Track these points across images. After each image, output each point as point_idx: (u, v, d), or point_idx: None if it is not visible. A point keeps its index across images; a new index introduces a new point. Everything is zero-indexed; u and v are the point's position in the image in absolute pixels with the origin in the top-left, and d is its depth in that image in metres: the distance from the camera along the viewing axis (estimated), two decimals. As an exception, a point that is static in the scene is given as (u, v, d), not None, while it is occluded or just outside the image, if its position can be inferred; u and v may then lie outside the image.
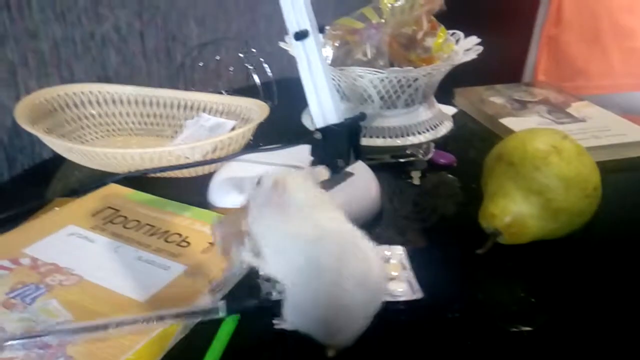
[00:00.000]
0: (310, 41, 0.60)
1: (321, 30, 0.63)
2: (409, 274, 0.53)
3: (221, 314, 0.46)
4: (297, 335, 0.42)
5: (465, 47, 0.87)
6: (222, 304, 0.46)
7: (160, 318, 0.45)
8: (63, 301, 0.47)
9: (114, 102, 0.84)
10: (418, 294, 0.50)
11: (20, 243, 0.55)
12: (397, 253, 0.55)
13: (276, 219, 0.43)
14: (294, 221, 0.43)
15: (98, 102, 0.83)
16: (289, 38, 0.61)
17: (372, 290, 0.42)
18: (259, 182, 0.45)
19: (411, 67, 0.79)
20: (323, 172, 0.53)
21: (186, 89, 0.96)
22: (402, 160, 0.77)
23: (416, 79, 0.80)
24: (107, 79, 0.89)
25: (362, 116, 0.65)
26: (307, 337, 0.42)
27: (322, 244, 0.42)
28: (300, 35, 0.59)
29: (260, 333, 0.46)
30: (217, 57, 1.04)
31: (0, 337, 0.42)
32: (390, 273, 0.52)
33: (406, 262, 0.54)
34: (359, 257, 0.42)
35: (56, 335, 0.43)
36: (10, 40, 0.74)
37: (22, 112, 0.72)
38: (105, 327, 0.44)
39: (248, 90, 0.91)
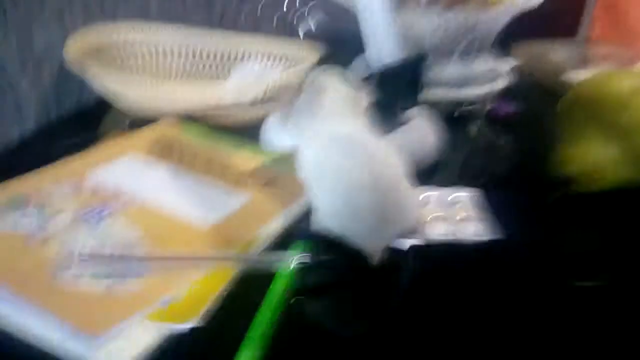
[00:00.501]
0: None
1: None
2: (481, 217, 0.51)
3: (292, 266, 0.43)
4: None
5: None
6: (295, 254, 0.43)
7: (227, 259, 0.44)
8: (129, 221, 0.47)
9: (162, 48, 0.82)
10: (489, 237, 0.48)
11: (83, 168, 0.54)
12: (464, 196, 0.54)
13: (308, 118, 0.45)
14: (317, 122, 0.45)
15: (147, 46, 0.82)
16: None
17: (382, 194, 0.41)
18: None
19: (469, 13, 0.75)
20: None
21: (235, 33, 0.94)
22: (459, 111, 0.74)
23: (474, 26, 0.76)
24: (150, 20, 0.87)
25: (424, 56, 0.62)
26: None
27: (330, 146, 0.43)
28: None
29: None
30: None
31: (69, 255, 0.42)
32: (461, 216, 0.51)
33: (474, 206, 0.52)
34: (365, 162, 0.42)
35: (124, 261, 0.42)
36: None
37: (71, 53, 0.70)
38: (171, 259, 0.43)
39: (297, 37, 0.88)
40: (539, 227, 0.52)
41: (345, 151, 0.42)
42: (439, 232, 0.49)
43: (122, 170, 0.55)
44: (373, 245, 0.43)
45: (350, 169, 0.41)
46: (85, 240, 0.44)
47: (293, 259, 0.43)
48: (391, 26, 0.59)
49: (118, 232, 0.45)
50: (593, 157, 0.52)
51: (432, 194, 0.54)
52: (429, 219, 0.50)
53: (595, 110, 0.53)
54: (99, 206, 0.48)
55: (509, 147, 0.69)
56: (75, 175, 0.53)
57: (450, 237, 0.48)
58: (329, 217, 0.43)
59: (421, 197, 0.53)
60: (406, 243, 0.47)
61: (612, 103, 0.52)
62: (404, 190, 0.43)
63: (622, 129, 0.51)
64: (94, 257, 0.42)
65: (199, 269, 0.42)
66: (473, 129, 0.71)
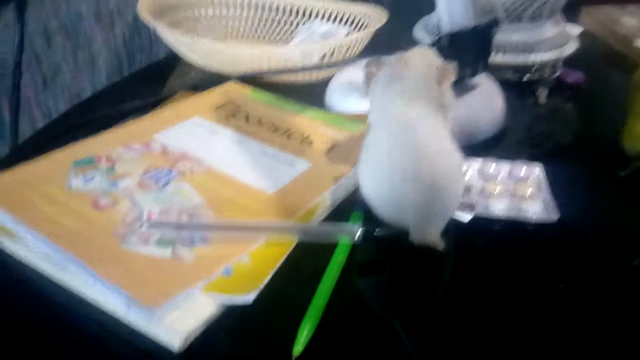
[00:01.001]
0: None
1: None
2: (546, 194, 0.50)
3: (357, 238, 0.43)
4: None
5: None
6: (358, 229, 0.44)
7: (288, 229, 0.44)
8: (195, 186, 0.48)
9: (227, 5, 0.83)
10: (554, 215, 0.47)
11: (150, 129, 0.55)
12: (534, 171, 0.52)
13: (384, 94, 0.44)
14: (390, 100, 0.43)
15: (213, 3, 0.83)
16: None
17: (424, 185, 0.40)
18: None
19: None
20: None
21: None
22: (527, 78, 0.73)
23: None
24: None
25: (495, 21, 0.61)
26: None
27: (378, 131, 0.43)
28: None
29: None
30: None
31: (135, 220, 0.43)
32: (525, 192, 0.50)
33: (543, 181, 0.51)
34: (409, 153, 0.40)
35: (189, 228, 0.43)
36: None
37: (143, 9, 0.72)
38: (234, 228, 0.44)
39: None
40: (606, 205, 0.51)
41: (397, 140, 0.41)
42: (502, 207, 0.48)
43: (188, 133, 0.56)
44: (418, 234, 0.42)
45: (399, 159, 0.40)
46: (152, 205, 0.45)
47: (354, 232, 0.43)
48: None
49: (183, 197, 0.46)
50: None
51: (500, 167, 0.53)
52: (496, 192, 0.50)
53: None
54: (166, 169, 0.49)
55: (576, 117, 0.68)
56: (143, 136, 0.54)
57: (512, 214, 0.48)
58: (375, 206, 0.43)
59: (490, 169, 0.53)
60: (466, 217, 0.47)
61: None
62: (453, 184, 0.42)
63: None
64: (160, 223, 0.43)
65: (260, 238, 0.42)
66: (541, 96, 0.69)
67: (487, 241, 0.46)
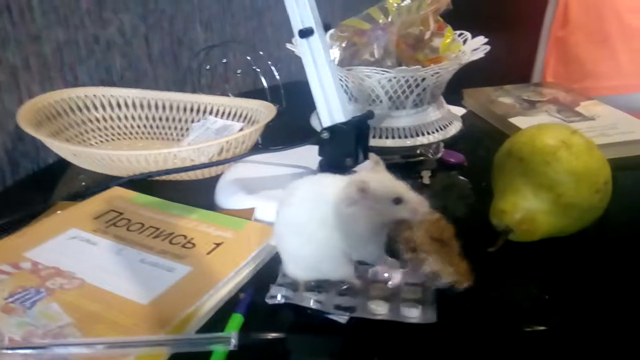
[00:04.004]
0: (315, 39, 0.59)
1: (326, 28, 0.62)
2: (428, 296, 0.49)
3: (232, 346, 0.42)
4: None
5: (472, 47, 0.86)
6: (235, 335, 0.43)
7: (159, 343, 0.43)
8: (64, 305, 0.46)
9: (118, 105, 0.83)
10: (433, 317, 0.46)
11: (21, 247, 0.54)
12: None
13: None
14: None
15: (102, 106, 0.83)
16: (295, 39, 0.60)
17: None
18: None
19: (419, 67, 0.78)
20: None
21: (193, 92, 0.95)
22: (412, 160, 0.76)
23: (424, 79, 0.79)
24: (111, 83, 0.89)
25: (370, 114, 0.64)
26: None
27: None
28: (305, 33, 0.59)
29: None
30: (224, 61, 1.03)
31: None
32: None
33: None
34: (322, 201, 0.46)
35: (54, 348, 0.42)
36: (12, 44, 0.74)
37: (25, 117, 0.71)
38: (101, 345, 0.42)
39: (256, 94, 0.90)
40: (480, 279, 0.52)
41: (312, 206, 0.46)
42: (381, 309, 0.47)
43: (63, 247, 0.54)
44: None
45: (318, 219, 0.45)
46: (15, 330, 0.43)
47: (229, 339, 0.42)
48: (338, 88, 0.61)
49: (50, 319, 0.44)
50: (524, 208, 0.53)
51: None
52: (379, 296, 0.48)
53: (525, 163, 0.54)
54: (33, 290, 0.48)
55: (455, 196, 0.70)
56: (12, 256, 0.52)
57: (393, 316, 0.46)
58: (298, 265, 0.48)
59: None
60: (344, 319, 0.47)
61: (539, 156, 0.53)
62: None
63: (550, 181, 0.53)
64: (18, 347, 0.41)
65: (128, 356, 0.41)
66: (424, 177, 0.72)
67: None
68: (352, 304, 0.48)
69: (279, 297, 0.48)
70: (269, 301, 0.48)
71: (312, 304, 0.47)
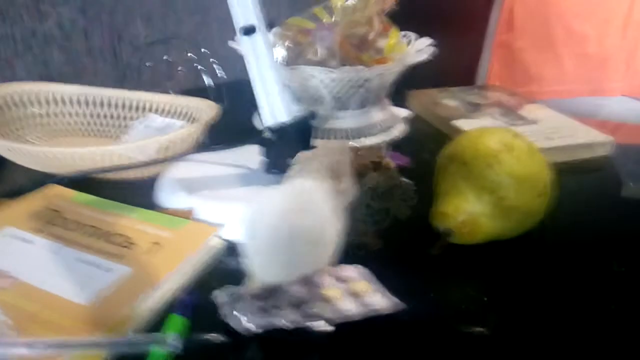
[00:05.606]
0: (257, 37, 0.59)
1: (270, 26, 0.61)
2: (379, 285, 0.50)
3: (172, 348, 0.42)
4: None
5: (417, 49, 0.86)
6: (175, 337, 0.42)
7: (95, 345, 0.42)
8: None
9: (56, 102, 0.81)
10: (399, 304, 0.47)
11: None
12: (358, 268, 0.52)
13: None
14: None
15: (40, 102, 0.80)
16: (238, 36, 0.60)
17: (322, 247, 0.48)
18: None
19: (363, 67, 0.78)
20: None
21: (134, 89, 0.93)
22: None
23: (368, 80, 0.79)
24: (50, 78, 0.86)
25: (313, 114, 0.64)
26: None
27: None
28: (248, 31, 0.58)
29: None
30: (166, 57, 1.01)
31: None
32: (362, 289, 0.49)
33: (369, 274, 0.51)
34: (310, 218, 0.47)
35: None
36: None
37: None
38: (37, 345, 0.41)
39: (198, 92, 0.88)
40: (421, 281, 0.53)
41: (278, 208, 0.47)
42: (351, 307, 0.46)
43: None
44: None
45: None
46: None
47: (166, 340, 0.42)
48: (282, 87, 0.60)
49: None
50: (466, 211, 0.54)
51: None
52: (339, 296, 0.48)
53: (467, 166, 0.55)
54: None
55: (398, 200, 0.71)
56: None
57: (364, 311, 0.46)
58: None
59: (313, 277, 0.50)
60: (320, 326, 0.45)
61: (481, 159, 0.54)
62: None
63: (491, 184, 0.53)
64: None
65: (63, 357, 0.40)
66: (369, 179, 0.72)
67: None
68: (321, 311, 0.46)
69: (244, 322, 0.44)
70: (241, 331, 0.44)
71: (284, 323, 0.44)
